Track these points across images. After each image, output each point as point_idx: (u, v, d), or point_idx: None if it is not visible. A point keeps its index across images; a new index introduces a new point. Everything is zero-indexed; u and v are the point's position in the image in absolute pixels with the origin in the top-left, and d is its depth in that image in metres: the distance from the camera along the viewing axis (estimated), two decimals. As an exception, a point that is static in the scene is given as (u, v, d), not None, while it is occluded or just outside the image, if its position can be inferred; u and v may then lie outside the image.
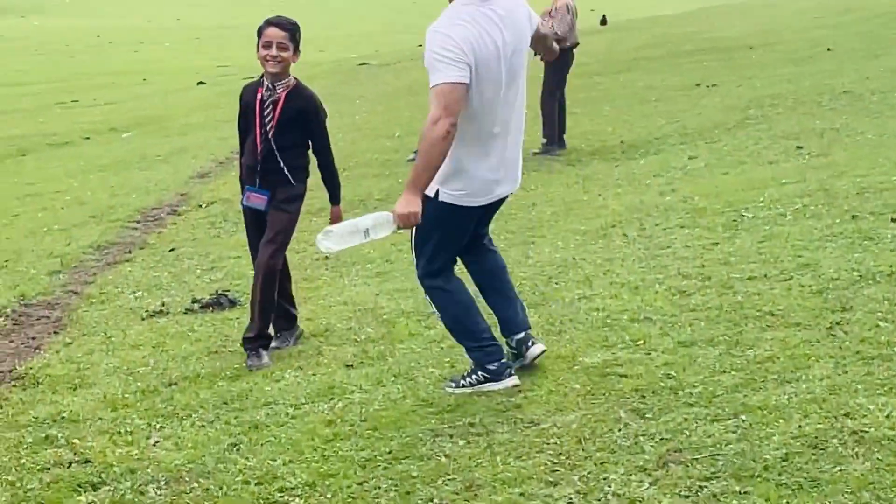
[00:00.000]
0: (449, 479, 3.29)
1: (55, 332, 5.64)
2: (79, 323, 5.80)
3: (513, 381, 3.92)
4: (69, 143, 14.75)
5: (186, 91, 21.16)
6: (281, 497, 3.32)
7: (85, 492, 3.47)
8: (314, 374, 4.48)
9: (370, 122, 14.20)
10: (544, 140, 9.95)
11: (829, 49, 15.28)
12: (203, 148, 12.81)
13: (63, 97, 21.61)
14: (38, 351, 5.29)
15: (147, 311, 5.92)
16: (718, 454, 3.22)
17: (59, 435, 3.89)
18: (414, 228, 3.72)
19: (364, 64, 24.10)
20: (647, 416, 3.58)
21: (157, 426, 4.00)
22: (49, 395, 4.45)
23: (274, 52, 4.36)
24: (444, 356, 4.50)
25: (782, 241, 5.71)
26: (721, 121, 10.39)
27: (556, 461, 3.32)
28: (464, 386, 3.94)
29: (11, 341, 5.51)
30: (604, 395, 3.81)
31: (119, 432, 3.93)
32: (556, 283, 5.54)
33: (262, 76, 4.58)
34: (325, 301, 5.80)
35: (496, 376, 3.90)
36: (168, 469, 3.59)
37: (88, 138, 15.17)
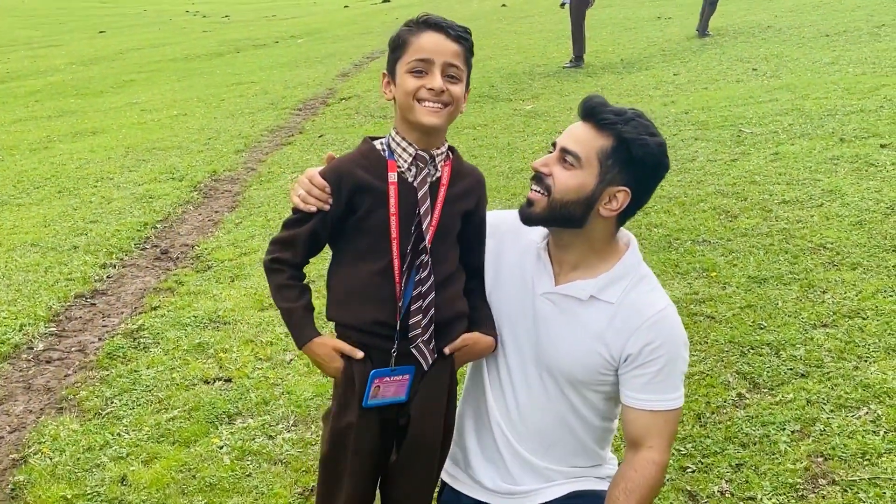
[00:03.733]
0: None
1: (232, 209, 6.46)
2: (248, 202, 6.60)
3: None
4: (265, 46, 19.37)
5: (339, 11, 29.06)
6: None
7: (221, 424, 3.26)
8: None
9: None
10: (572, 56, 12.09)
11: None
12: (346, 53, 16.34)
13: (268, 13, 31.29)
14: (217, 226, 6.04)
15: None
16: (877, 479, 2.68)
17: (211, 341, 4.07)
18: None
19: None
20: (760, 387, 3.25)
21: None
22: (213, 284, 4.85)
23: (439, 83, 1.79)
24: None
25: (791, 161, 5.91)
26: (687, 45, 12.29)
27: (681, 448, 2.94)
28: None
29: (200, 214, 6.43)
30: (703, 346, 3.59)
31: (260, 342, 4.00)
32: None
33: (366, 144, 1.91)
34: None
35: None
36: (297, 404, 3.39)
37: (277, 42, 19.96)
